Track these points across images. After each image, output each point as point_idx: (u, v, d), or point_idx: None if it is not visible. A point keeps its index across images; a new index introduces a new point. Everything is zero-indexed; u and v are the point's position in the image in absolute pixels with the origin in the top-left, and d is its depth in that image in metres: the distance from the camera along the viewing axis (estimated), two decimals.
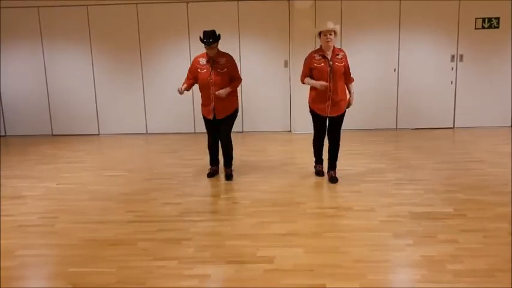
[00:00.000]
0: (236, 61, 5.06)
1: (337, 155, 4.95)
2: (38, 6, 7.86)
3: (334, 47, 4.65)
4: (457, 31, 7.64)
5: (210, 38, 4.63)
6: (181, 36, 7.85)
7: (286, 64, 7.90)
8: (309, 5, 7.40)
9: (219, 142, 5.11)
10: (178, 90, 4.86)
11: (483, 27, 7.59)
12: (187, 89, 4.95)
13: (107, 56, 8.01)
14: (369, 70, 7.68)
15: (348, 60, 4.77)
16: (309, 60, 4.72)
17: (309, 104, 4.87)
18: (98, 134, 8.27)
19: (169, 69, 7.95)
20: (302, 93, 7.74)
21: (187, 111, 8.08)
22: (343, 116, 4.83)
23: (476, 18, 7.57)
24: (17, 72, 8.14)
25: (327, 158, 4.98)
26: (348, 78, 4.78)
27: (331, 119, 4.80)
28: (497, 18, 7.54)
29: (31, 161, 6.34)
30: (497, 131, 7.51)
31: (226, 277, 2.93)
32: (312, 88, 4.76)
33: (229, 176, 5.08)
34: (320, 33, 4.60)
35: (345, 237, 3.48)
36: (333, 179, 4.88)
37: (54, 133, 8.31)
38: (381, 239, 3.42)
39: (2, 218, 4.11)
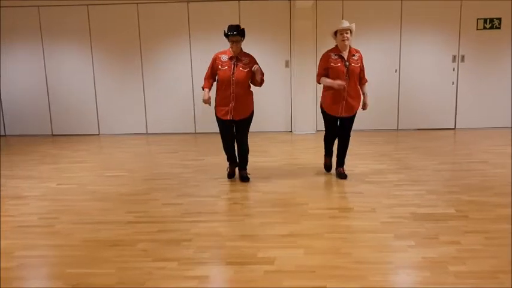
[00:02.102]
0: None
1: (345, 152, 4.99)
2: (38, 6, 7.86)
3: (350, 46, 4.52)
4: (458, 32, 7.63)
5: (234, 30, 4.48)
6: (182, 36, 7.84)
7: (287, 64, 7.88)
8: (310, 5, 7.38)
9: (235, 144, 4.96)
10: (204, 101, 4.62)
11: (485, 28, 7.58)
12: (209, 92, 4.71)
13: (107, 56, 8.00)
14: (370, 71, 7.56)
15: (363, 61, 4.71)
16: (324, 59, 4.59)
17: (322, 104, 4.79)
18: (98, 134, 8.26)
19: (170, 69, 7.95)
20: (303, 94, 7.78)
21: (188, 111, 8.07)
22: (355, 116, 4.82)
23: (477, 19, 7.56)
24: (17, 72, 8.15)
25: (336, 154, 5.04)
26: (361, 79, 4.70)
27: (342, 118, 4.76)
28: (499, 19, 7.53)
29: (31, 161, 6.33)
30: (499, 132, 7.49)
31: (227, 278, 2.91)
32: (327, 88, 4.65)
33: (245, 178, 4.98)
34: (336, 32, 4.49)
35: (346, 238, 3.46)
36: (342, 175, 4.96)
37: (54, 133, 8.30)
38: (383, 240, 3.40)
39: (2, 218, 4.09)
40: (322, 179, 5.05)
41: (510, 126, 7.79)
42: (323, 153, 5.22)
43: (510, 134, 7.21)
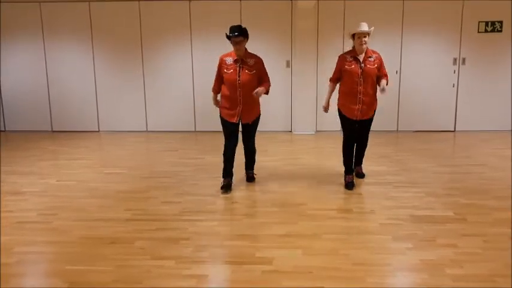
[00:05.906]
0: None
1: (363, 152, 5.06)
2: (40, 2, 7.84)
3: (367, 48, 4.53)
4: (459, 34, 7.62)
5: (236, 31, 4.30)
6: (183, 34, 7.83)
7: (288, 64, 7.87)
8: (311, 5, 7.37)
9: (237, 148, 4.75)
10: (216, 105, 4.77)
11: (486, 31, 7.57)
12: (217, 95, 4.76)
13: (108, 53, 7.99)
14: None
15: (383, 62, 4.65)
16: (340, 62, 4.59)
17: (339, 106, 4.71)
18: (98, 131, 8.25)
19: (171, 68, 7.94)
20: (304, 94, 7.78)
21: (188, 109, 8.07)
22: (372, 119, 4.76)
23: (479, 22, 7.55)
24: (17, 68, 8.13)
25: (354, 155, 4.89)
26: (381, 77, 4.57)
27: (360, 122, 4.67)
28: (500, 22, 7.52)
29: (31, 157, 6.33)
30: (499, 134, 7.48)
31: (224, 278, 2.92)
32: (342, 90, 4.65)
33: (251, 178, 5.02)
34: (354, 35, 4.50)
35: (344, 239, 3.47)
36: (359, 175, 5.07)
37: (54, 129, 8.30)
38: (381, 242, 3.41)
39: (1, 214, 4.09)
40: (321, 179, 5.05)
41: (510, 129, 7.79)
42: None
43: (510, 137, 7.21)
